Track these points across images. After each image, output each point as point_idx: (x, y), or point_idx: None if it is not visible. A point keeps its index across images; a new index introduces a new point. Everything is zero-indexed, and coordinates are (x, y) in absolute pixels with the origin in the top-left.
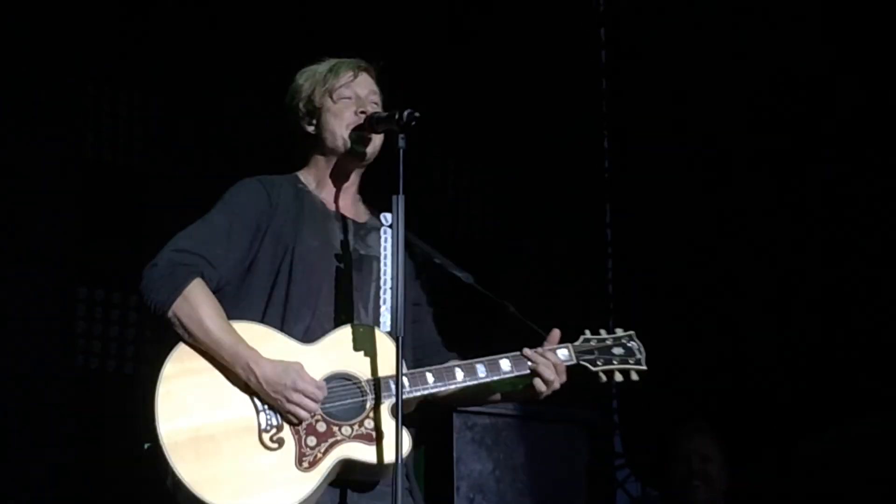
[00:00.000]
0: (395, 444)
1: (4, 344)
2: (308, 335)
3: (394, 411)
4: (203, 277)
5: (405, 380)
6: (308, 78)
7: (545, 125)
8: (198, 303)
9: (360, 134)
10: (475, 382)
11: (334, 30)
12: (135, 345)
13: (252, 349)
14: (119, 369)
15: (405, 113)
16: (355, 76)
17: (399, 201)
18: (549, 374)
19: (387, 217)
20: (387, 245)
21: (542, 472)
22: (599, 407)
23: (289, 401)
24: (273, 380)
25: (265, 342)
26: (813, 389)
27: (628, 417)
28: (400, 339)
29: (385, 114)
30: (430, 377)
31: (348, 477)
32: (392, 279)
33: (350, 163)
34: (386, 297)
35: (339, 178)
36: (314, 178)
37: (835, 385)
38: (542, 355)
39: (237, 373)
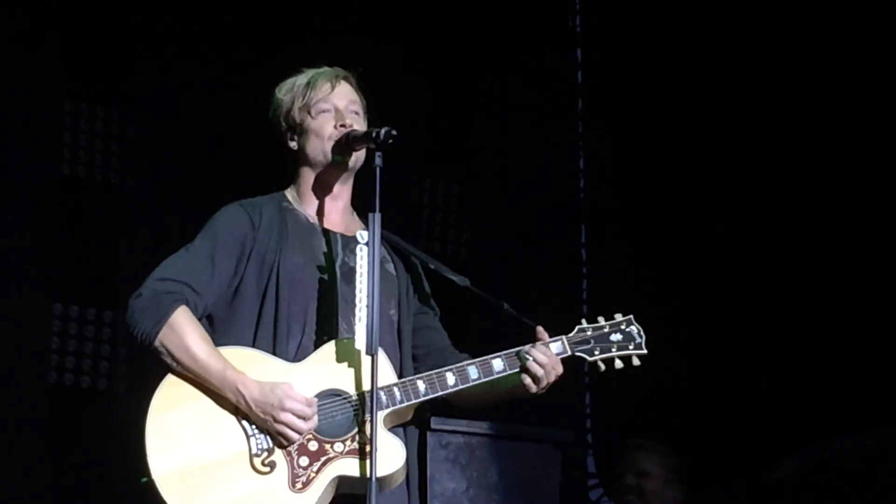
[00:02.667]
0: (370, 460)
1: None
2: (300, 352)
3: (386, 423)
4: (188, 304)
5: (397, 390)
6: (287, 92)
7: (521, 144)
8: (183, 330)
9: (340, 146)
10: (468, 385)
11: (310, 47)
12: (109, 361)
13: (240, 372)
14: (93, 386)
15: (382, 131)
16: (333, 87)
17: (375, 219)
18: (538, 370)
19: (363, 235)
20: (362, 263)
21: (516, 491)
22: (573, 427)
23: (276, 420)
24: (261, 400)
25: (253, 365)
26: (784, 412)
27: (602, 437)
28: (376, 356)
29: (362, 132)
30: (421, 385)
31: (348, 492)
32: (368, 297)
33: (334, 175)
34: (361, 314)
35: (324, 192)
36: (299, 195)
37: (806, 408)
38: (535, 351)
39: (227, 397)
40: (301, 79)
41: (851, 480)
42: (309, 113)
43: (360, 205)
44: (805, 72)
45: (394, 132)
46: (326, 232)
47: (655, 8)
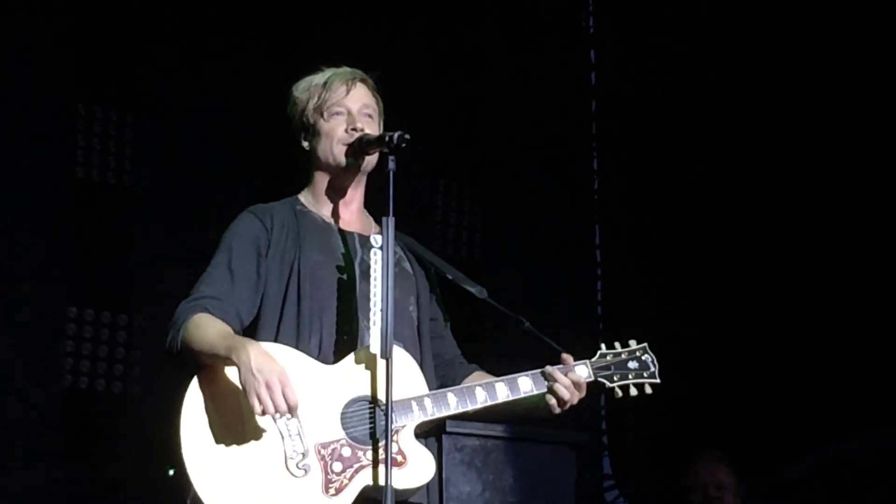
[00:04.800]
0: (385, 466)
1: None
2: (322, 349)
3: (417, 432)
4: (209, 311)
5: (429, 402)
6: (303, 91)
7: (535, 145)
8: (199, 326)
9: (353, 150)
10: (495, 402)
11: (322, 49)
12: (124, 365)
13: (248, 339)
14: (108, 389)
15: (395, 135)
16: (348, 90)
17: (389, 223)
18: (565, 393)
19: (377, 239)
20: (377, 267)
21: (531, 493)
22: (588, 428)
23: (267, 385)
24: (263, 360)
25: (293, 362)
26: (797, 412)
27: (617, 439)
28: (390, 360)
29: (375, 136)
30: (452, 399)
31: (371, 497)
32: (382, 300)
33: (346, 177)
34: (375, 318)
35: (337, 194)
36: (313, 197)
37: (818, 408)
38: (563, 374)
39: (233, 361)
40: (318, 78)
41: (863, 480)
42: (322, 115)
43: (374, 208)
44: (829, 74)
45: (407, 136)
46: (342, 232)
47: (669, 9)
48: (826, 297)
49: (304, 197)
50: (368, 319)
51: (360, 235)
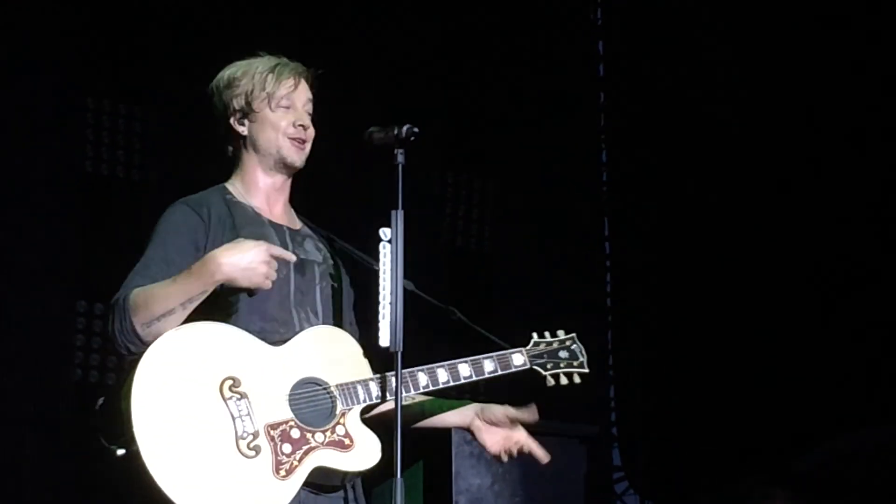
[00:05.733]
0: (394, 454)
1: (4, 357)
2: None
3: (361, 416)
4: None
5: (374, 385)
6: (245, 74)
7: (543, 137)
8: (143, 291)
9: (293, 143)
10: (437, 388)
11: (331, 43)
12: None
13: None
14: (118, 383)
15: (404, 128)
16: (296, 85)
17: (398, 216)
18: (489, 441)
19: (385, 232)
20: (386, 260)
21: (541, 486)
22: (598, 420)
23: (259, 271)
24: (232, 254)
25: (239, 340)
26: (806, 404)
27: (626, 431)
28: (399, 353)
29: (383, 130)
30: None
31: (313, 482)
32: (391, 293)
33: (281, 168)
34: (385, 311)
35: (270, 184)
36: (243, 185)
37: (826, 402)
38: (497, 423)
39: (213, 280)
40: (260, 64)
41: (869, 473)
42: (269, 104)
43: (383, 201)
44: (832, 73)
45: (415, 129)
46: (273, 224)
47: (677, 0)
48: (831, 293)
49: (232, 186)
50: (306, 312)
51: (290, 229)
